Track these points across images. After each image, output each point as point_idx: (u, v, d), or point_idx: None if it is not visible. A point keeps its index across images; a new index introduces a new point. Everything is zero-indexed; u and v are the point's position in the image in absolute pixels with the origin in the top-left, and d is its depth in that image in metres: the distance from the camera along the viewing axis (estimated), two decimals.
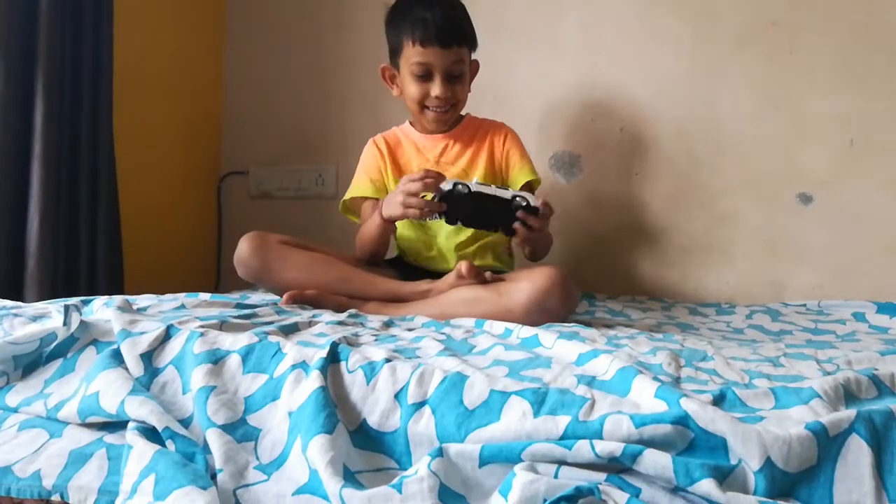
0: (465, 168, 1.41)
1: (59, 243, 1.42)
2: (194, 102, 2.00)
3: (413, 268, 1.39)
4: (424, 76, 1.32)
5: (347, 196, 1.44)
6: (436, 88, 1.32)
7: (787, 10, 1.60)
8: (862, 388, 0.67)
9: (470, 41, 1.37)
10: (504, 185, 1.13)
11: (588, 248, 1.76)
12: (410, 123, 1.47)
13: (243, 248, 1.19)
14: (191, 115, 1.99)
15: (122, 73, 1.61)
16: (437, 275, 1.22)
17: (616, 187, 1.74)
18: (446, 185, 1.11)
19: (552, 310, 1.06)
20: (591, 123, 1.76)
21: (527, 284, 1.07)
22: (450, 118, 1.40)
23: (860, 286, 1.53)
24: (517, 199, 1.09)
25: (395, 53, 1.37)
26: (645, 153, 1.72)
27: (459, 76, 1.35)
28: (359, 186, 1.43)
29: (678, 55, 1.69)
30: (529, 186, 1.41)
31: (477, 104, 1.44)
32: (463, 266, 1.14)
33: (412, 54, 1.31)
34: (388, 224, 1.26)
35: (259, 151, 2.07)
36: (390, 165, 1.42)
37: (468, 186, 1.10)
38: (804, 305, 1.46)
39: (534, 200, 1.09)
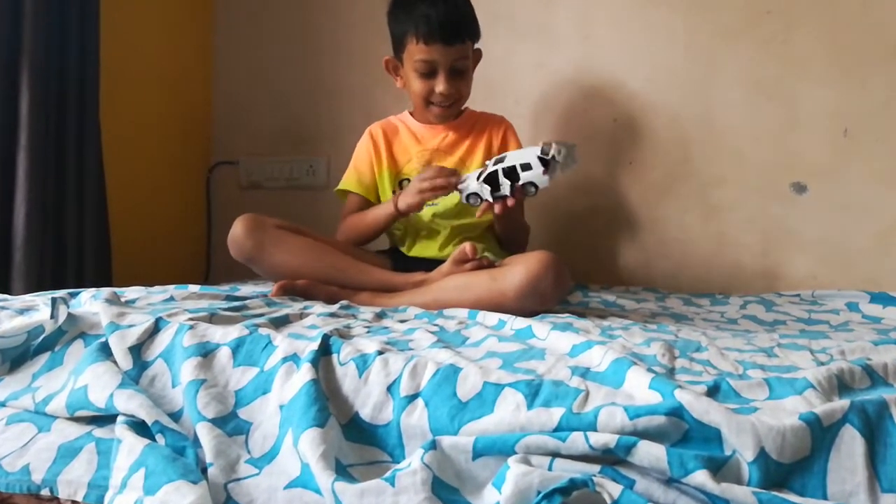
0: (462, 157, 1.41)
1: (46, 235, 1.40)
2: (183, 92, 1.98)
3: (407, 260, 1.38)
4: (428, 73, 1.33)
5: (338, 188, 1.48)
6: (440, 85, 1.33)
7: None
8: (855, 379, 0.67)
9: (473, 34, 1.36)
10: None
11: (582, 238, 1.75)
12: (410, 113, 1.47)
13: (238, 229, 1.19)
14: (180, 104, 1.97)
15: (109, 62, 1.59)
16: (431, 266, 1.22)
17: (610, 177, 1.74)
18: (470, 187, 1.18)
19: (545, 293, 1.06)
20: (584, 113, 1.75)
21: (520, 268, 1.07)
22: (454, 112, 1.41)
23: (854, 276, 1.54)
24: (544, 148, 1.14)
25: (398, 47, 1.36)
26: (638, 143, 1.71)
27: (463, 71, 1.35)
28: (348, 180, 1.46)
29: (672, 45, 1.68)
30: None
31: (471, 94, 1.43)
32: (467, 246, 1.15)
33: (416, 52, 1.31)
34: (400, 216, 1.30)
35: (249, 141, 2.05)
36: (385, 154, 1.43)
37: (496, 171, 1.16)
38: (798, 295, 1.46)
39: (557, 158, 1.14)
